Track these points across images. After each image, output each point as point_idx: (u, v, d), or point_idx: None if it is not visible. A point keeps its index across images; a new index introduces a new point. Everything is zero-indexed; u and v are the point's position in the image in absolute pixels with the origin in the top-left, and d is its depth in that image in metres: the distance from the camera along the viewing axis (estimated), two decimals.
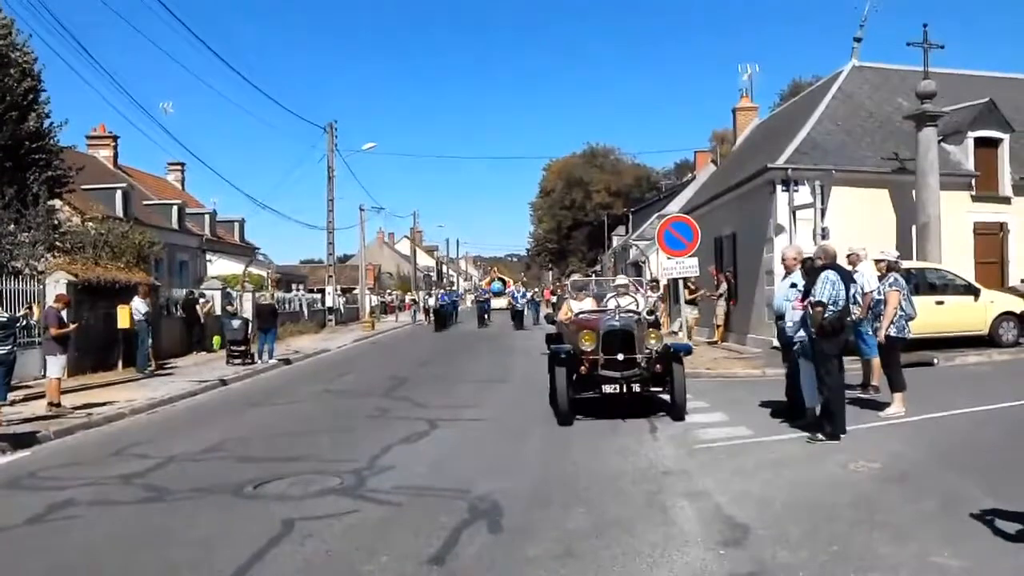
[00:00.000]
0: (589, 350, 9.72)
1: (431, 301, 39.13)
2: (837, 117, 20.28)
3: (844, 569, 4.77)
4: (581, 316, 11.33)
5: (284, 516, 6.04)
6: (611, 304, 11.70)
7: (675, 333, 19.73)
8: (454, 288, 58.84)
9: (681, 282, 19.66)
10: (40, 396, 12.48)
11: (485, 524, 5.82)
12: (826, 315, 8.22)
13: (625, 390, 9.59)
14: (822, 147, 18.85)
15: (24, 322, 11.98)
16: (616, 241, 56.05)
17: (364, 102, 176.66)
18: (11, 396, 12.85)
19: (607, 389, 9.59)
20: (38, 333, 14.62)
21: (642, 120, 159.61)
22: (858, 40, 22.15)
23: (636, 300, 12.17)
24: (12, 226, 17.30)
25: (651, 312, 12.37)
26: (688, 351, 10.43)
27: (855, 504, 6.07)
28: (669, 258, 16.87)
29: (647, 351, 9.79)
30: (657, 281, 24.39)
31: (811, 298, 8.33)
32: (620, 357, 9.64)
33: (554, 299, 38.92)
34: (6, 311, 12.38)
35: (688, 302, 20.32)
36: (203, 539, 5.66)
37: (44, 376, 12.58)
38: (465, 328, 36.23)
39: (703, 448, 8.24)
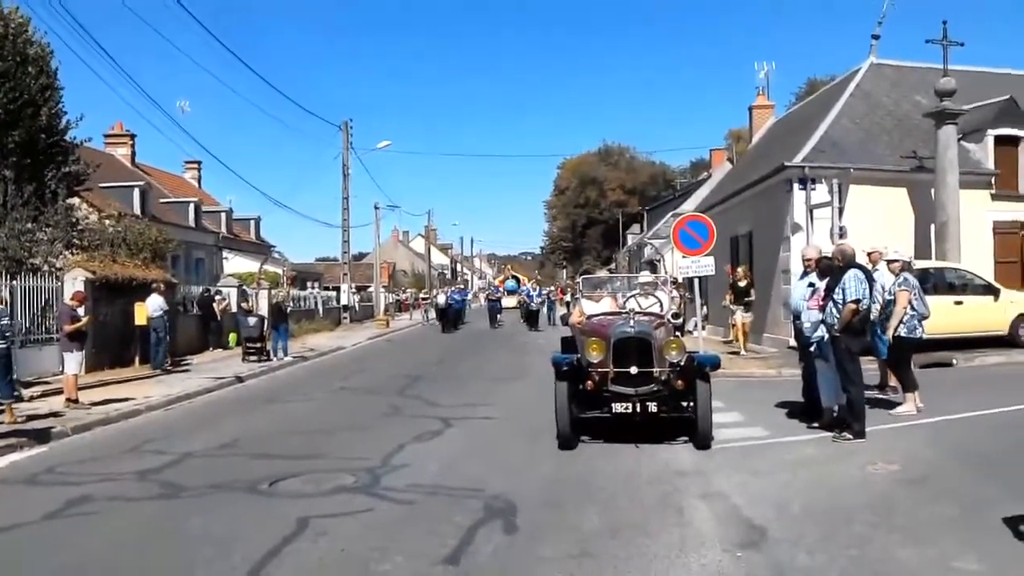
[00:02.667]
0: (596, 361, 8.30)
1: (440, 299, 36.67)
2: (855, 115, 20.12)
3: (863, 573, 4.73)
4: (593, 319, 9.78)
5: (299, 514, 6.03)
6: (631, 305, 10.10)
7: (690, 332, 19.13)
8: (463, 287, 56.52)
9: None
10: (58, 392, 12.56)
11: (500, 524, 5.80)
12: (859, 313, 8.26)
13: (639, 409, 8.16)
14: (840, 145, 18.70)
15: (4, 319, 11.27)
16: (631, 239, 55.91)
17: (378, 101, 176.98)
18: (29, 392, 12.98)
19: (617, 408, 8.20)
20: (56, 329, 14.69)
21: (658, 118, 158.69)
22: (876, 38, 21.96)
23: (660, 301, 10.40)
24: (31, 224, 17.44)
25: (677, 315, 10.64)
26: (716, 364, 8.71)
27: (873, 506, 6.01)
28: (684, 257, 16.78)
29: (667, 363, 8.32)
30: (676, 280, 23.33)
31: (841, 296, 8.29)
32: (633, 370, 8.20)
33: (567, 298, 37.40)
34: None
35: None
36: (218, 536, 5.66)
37: (62, 372, 12.65)
38: (476, 328, 35.58)
39: (719, 448, 8.17)
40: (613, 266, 58.21)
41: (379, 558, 5.10)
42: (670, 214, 38.67)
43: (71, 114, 20.16)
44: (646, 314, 9.53)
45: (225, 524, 5.98)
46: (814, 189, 17.71)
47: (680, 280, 19.96)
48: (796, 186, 17.99)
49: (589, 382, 8.32)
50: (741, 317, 18.40)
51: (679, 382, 8.26)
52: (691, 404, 8.29)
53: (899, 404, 9.86)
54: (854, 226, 16.63)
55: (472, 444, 9.08)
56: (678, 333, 10.41)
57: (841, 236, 16.17)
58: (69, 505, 6.63)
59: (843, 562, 4.87)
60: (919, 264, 16.13)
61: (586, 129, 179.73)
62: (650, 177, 78.07)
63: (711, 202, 26.08)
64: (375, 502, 6.49)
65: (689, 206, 35.02)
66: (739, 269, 19.22)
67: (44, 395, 12.98)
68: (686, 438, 8.42)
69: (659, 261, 36.58)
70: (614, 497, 6.45)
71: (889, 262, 10.42)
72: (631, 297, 10.22)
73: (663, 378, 8.26)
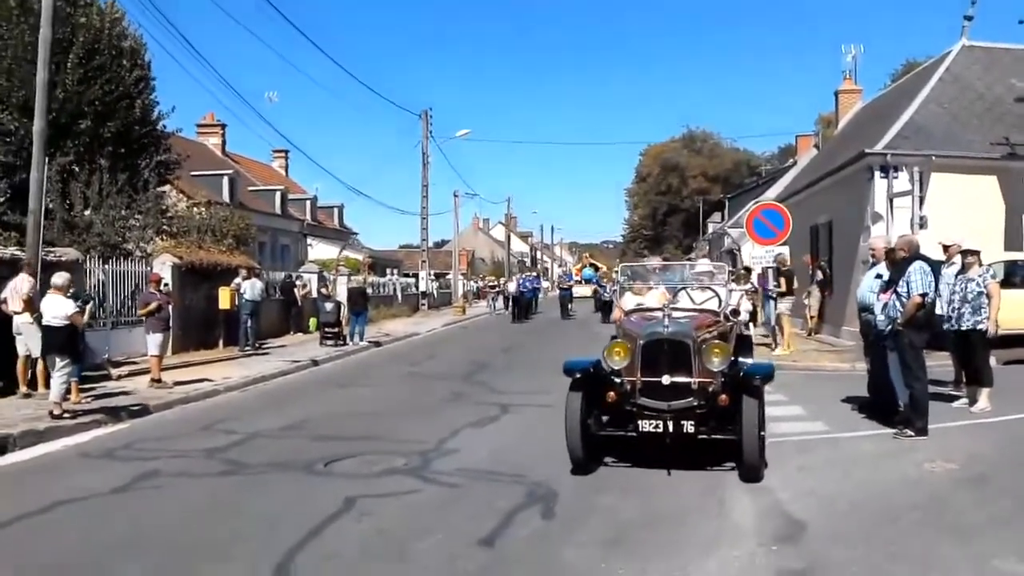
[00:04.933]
0: (619, 367, 6.93)
1: (511, 287, 35.59)
2: (943, 99, 19.26)
3: (898, 568, 4.68)
4: (634, 316, 8.16)
5: (348, 493, 6.27)
6: (683, 299, 8.55)
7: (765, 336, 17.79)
8: (535, 274, 53.52)
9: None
10: (146, 372, 13.23)
11: (539, 509, 5.91)
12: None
13: (671, 429, 6.65)
14: (925, 131, 17.95)
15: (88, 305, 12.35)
16: (712, 228, 54.93)
17: (458, 89, 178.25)
18: (117, 371, 13.74)
19: (645, 427, 6.72)
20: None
21: (746, 103, 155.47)
22: (969, 19, 20.85)
23: (717, 295, 8.74)
24: (124, 210, 18.39)
25: (735, 312, 8.82)
26: (768, 375, 7.09)
27: (924, 505, 5.89)
28: (755, 246, 16.45)
29: (708, 373, 6.78)
30: (749, 270, 21.96)
31: (905, 288, 8.09)
32: (666, 381, 6.71)
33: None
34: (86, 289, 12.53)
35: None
36: (269, 513, 5.94)
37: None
38: (548, 317, 34.37)
39: (773, 442, 7.96)
40: (693, 255, 57.26)
41: (417, 538, 5.27)
42: (752, 201, 37.87)
43: (163, 105, 21.19)
44: (698, 310, 8.18)
45: (277, 501, 6.27)
46: (896, 177, 17.06)
47: (750, 270, 18.78)
48: (877, 174, 17.33)
49: (611, 393, 6.92)
50: (778, 309, 16.75)
51: (723, 396, 6.73)
52: (736, 425, 6.70)
53: (961, 398, 9.67)
54: (937, 216, 16.00)
55: (526, 431, 9.18)
56: (749, 333, 9.69)
57: (922, 226, 15.61)
58: (136, 480, 7.04)
59: (879, 557, 4.80)
60: (1009, 256, 15.47)
61: (670, 116, 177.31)
62: (733, 164, 76.47)
63: (792, 189, 25.48)
64: (422, 484, 6.69)
65: (772, 193, 34.20)
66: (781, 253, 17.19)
67: (132, 374, 13.68)
68: (732, 464, 6.91)
69: (737, 251, 35.75)
70: (656, 487, 6.46)
71: (968, 252, 9.92)
72: (682, 290, 8.83)
73: (708, 390, 6.74)
